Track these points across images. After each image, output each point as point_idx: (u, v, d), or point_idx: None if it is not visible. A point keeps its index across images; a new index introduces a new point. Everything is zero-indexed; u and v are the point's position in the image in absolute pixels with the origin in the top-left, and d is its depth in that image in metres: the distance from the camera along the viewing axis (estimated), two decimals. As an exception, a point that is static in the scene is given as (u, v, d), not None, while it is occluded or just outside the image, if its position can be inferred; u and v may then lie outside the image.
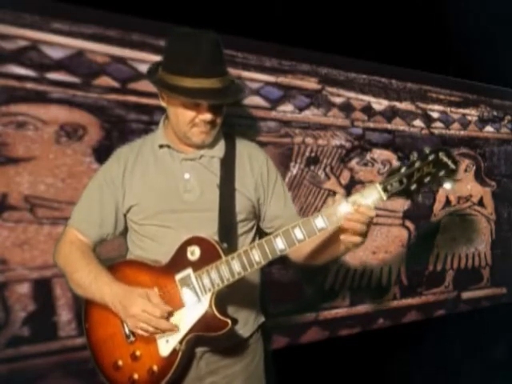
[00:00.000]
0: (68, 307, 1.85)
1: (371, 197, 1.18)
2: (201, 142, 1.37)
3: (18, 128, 1.76)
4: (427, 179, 1.17)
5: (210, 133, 1.36)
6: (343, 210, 1.18)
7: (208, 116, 1.30)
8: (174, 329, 1.26)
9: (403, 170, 1.17)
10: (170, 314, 1.26)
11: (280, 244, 1.23)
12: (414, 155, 1.18)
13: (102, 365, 1.34)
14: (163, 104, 1.37)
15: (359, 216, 1.17)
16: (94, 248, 1.43)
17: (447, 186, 1.18)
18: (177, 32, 1.30)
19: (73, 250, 1.38)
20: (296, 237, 1.22)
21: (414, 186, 1.16)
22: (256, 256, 1.23)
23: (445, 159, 1.16)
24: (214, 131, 1.37)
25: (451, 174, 1.16)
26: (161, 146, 1.41)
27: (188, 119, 1.31)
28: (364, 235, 1.21)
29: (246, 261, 1.24)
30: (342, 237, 1.22)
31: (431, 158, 1.16)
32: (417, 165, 1.16)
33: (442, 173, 1.16)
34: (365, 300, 2.67)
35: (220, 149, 1.43)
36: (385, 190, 1.17)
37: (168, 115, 1.39)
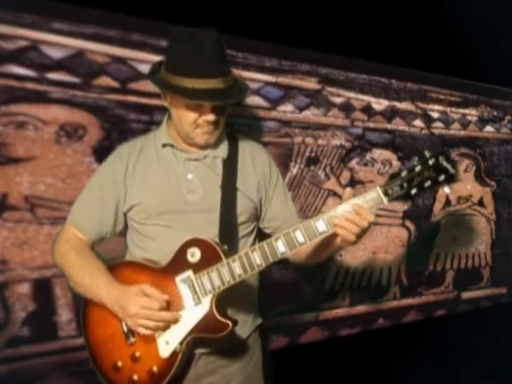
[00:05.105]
0: (68, 307, 1.85)
1: (372, 200, 1.19)
2: (204, 143, 1.36)
3: (18, 128, 1.76)
4: (427, 184, 1.18)
5: (214, 133, 1.35)
6: (344, 211, 1.19)
7: (211, 117, 1.29)
8: (176, 317, 1.26)
9: (404, 174, 1.19)
10: (170, 304, 1.26)
11: (281, 247, 1.23)
12: (415, 159, 1.20)
13: (102, 366, 1.34)
14: (166, 104, 1.36)
15: (356, 218, 1.18)
16: (92, 246, 1.41)
17: (446, 189, 1.19)
18: (179, 32, 1.29)
19: (68, 249, 1.37)
20: (297, 240, 1.22)
21: (414, 191, 1.19)
22: (257, 258, 1.24)
23: (445, 164, 1.17)
24: (218, 131, 1.36)
25: (451, 179, 1.18)
26: (164, 145, 1.40)
27: (191, 120, 1.30)
28: (358, 236, 1.21)
29: (247, 263, 1.24)
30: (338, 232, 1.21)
31: (431, 162, 1.18)
32: (417, 169, 1.18)
33: (441, 177, 1.18)
34: (365, 300, 2.67)
35: (223, 149, 1.42)
36: (386, 194, 1.19)
37: (171, 115, 1.38)
